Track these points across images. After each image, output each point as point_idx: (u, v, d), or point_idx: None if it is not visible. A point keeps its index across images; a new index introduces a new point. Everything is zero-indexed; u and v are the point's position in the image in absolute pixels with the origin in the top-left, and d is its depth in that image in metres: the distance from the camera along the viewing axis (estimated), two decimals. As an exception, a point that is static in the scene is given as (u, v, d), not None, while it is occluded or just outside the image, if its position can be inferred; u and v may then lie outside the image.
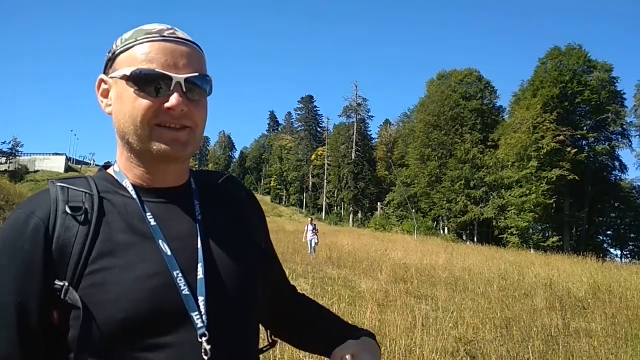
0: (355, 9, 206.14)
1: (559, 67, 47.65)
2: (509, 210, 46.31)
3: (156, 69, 0.88)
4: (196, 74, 0.91)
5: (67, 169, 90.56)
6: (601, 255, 28.48)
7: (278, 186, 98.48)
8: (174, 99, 0.88)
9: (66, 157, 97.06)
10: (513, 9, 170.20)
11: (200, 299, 0.86)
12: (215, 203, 1.03)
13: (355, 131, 77.52)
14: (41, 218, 0.85)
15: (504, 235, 45.89)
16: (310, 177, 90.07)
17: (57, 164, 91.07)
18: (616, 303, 9.96)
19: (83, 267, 0.83)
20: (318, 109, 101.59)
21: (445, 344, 5.92)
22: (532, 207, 43.55)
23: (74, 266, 0.83)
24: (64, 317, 0.83)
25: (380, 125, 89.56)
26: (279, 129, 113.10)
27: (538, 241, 43.38)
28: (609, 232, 50.75)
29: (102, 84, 0.97)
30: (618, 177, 50.26)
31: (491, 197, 50.91)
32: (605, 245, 49.77)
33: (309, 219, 20.75)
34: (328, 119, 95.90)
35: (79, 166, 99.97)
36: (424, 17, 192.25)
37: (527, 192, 44.31)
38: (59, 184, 0.91)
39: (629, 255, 48.32)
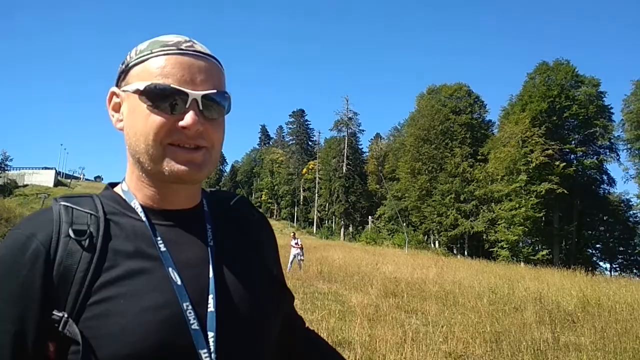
0: (347, 26, 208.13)
1: (547, 82, 48.30)
2: (499, 224, 46.52)
3: (171, 85, 0.81)
4: (214, 90, 0.85)
5: (57, 183, 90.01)
6: (590, 268, 28.63)
7: (269, 200, 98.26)
8: (189, 117, 0.81)
9: (56, 171, 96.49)
10: (502, 25, 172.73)
11: (210, 334, 0.79)
12: (227, 227, 0.97)
13: (346, 145, 77.74)
14: (42, 241, 0.78)
15: (494, 249, 46.04)
16: (302, 191, 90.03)
17: (46, 179, 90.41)
18: (605, 317, 9.97)
19: (85, 296, 0.76)
20: (309, 123, 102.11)
21: (436, 359, 5.91)
22: (521, 220, 43.79)
23: (75, 296, 0.76)
24: (61, 351, 0.76)
25: (371, 139, 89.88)
26: (270, 143, 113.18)
27: (528, 255, 43.50)
28: (598, 246, 50.97)
29: (114, 97, 0.91)
30: (606, 191, 50.67)
31: (481, 210, 51.12)
32: (594, 258, 49.99)
33: (292, 233, 20.52)
34: (319, 132, 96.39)
35: (69, 180, 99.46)
36: (415, 33, 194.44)
37: (517, 205, 44.56)
38: (62, 203, 0.84)
39: (618, 269, 48.61)
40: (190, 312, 0.78)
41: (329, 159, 78.90)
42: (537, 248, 46.06)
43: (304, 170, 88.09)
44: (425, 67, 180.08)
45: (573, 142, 48.58)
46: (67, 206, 0.84)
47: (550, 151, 44.37)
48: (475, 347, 6.77)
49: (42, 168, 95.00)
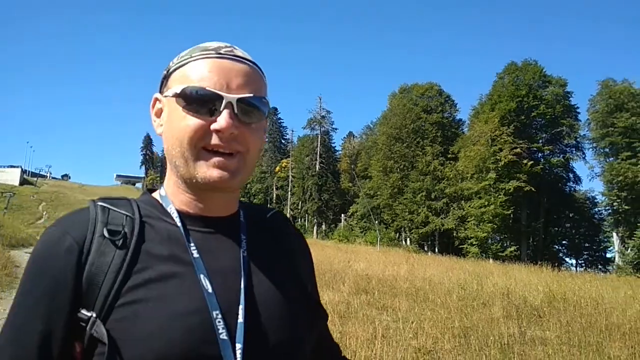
0: (320, 25, 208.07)
1: (516, 82, 49.08)
2: (468, 221, 47.14)
3: (207, 87, 0.81)
4: (250, 94, 0.84)
5: (23, 182, 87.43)
6: (557, 264, 29.23)
7: (241, 198, 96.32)
8: (223, 120, 0.81)
9: (22, 169, 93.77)
10: (474, 25, 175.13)
11: (238, 346, 0.77)
12: (262, 239, 0.95)
13: (319, 143, 77.74)
14: (76, 239, 0.78)
15: (464, 246, 46.62)
16: (275, 189, 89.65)
17: (12, 177, 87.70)
18: (571, 311, 10.19)
19: (115, 297, 0.75)
20: (282, 121, 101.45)
21: (405, 354, 5.97)
22: (490, 217, 44.47)
23: (105, 296, 0.75)
24: (87, 352, 0.75)
25: (344, 137, 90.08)
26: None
27: (497, 251, 44.17)
28: (564, 242, 52.13)
29: (157, 102, 0.92)
30: (572, 189, 51.81)
31: (451, 208, 51.73)
32: (560, 254, 51.06)
33: None
34: (292, 131, 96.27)
35: (35, 179, 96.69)
36: (388, 32, 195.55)
37: (486, 203, 45.21)
38: (100, 203, 0.85)
39: (583, 265, 49.78)
40: (219, 322, 0.77)
41: (302, 157, 78.76)
42: (505, 244, 46.81)
43: (277, 168, 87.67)
44: (397, 66, 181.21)
45: (540, 140, 49.52)
46: (104, 207, 0.84)
47: (518, 150, 45.17)
48: (444, 342, 6.86)
49: (8, 166, 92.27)
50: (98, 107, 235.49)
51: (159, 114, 0.91)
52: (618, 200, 43.10)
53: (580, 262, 50.66)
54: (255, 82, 0.87)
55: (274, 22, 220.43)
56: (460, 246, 47.26)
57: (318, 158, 76.77)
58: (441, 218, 52.24)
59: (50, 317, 0.75)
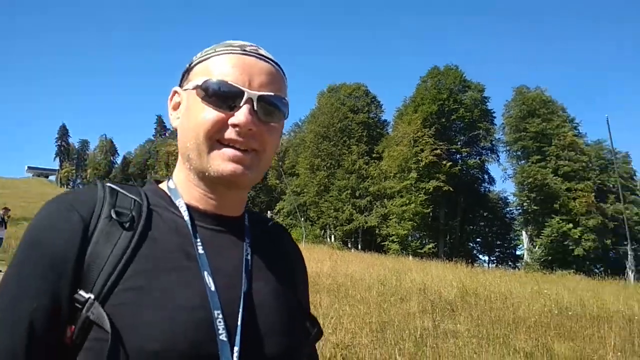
0: (253, 24, 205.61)
1: (438, 85, 50.92)
2: (390, 219, 48.33)
3: (229, 82, 0.81)
4: (272, 93, 0.83)
5: None
6: (471, 261, 30.75)
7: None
8: (242, 115, 0.79)
9: None
10: (398, 29, 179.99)
11: (235, 349, 0.75)
12: (265, 245, 0.93)
13: (246, 139, 76.83)
14: (83, 216, 0.75)
15: (386, 243, 47.76)
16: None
17: None
18: (481, 305, 10.75)
19: (115, 281, 0.72)
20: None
21: (324, 350, 6.03)
22: (411, 216, 45.82)
23: (105, 278, 0.71)
24: (79, 336, 0.70)
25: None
26: (167, 134, 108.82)
27: (416, 248, 45.42)
28: (478, 240, 54.72)
29: (175, 96, 0.91)
30: (487, 189, 54.36)
31: (375, 206, 52.84)
32: (475, 251, 53.47)
33: None
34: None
35: None
36: (320, 32, 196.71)
37: (407, 201, 46.55)
38: (109, 184, 0.83)
39: (495, 261, 52.54)
40: (220, 322, 0.74)
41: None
42: (424, 242, 48.18)
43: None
44: (326, 65, 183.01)
45: (459, 143, 51.47)
46: (113, 189, 0.82)
47: (438, 151, 46.77)
48: (362, 336, 7.02)
49: None
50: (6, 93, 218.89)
51: (176, 107, 0.91)
52: (528, 201, 46.08)
53: (492, 259, 53.52)
54: (278, 82, 0.86)
55: (206, 20, 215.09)
56: (382, 243, 48.36)
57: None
58: (365, 216, 53.21)
59: (45, 294, 0.70)
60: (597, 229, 41.96)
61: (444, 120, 49.66)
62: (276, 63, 0.88)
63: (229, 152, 0.81)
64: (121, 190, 0.82)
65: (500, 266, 43.92)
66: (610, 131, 44.26)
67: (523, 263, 45.92)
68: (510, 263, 50.87)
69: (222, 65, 0.83)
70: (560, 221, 42.68)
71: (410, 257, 35.17)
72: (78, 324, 0.70)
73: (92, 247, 0.73)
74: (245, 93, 0.80)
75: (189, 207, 0.85)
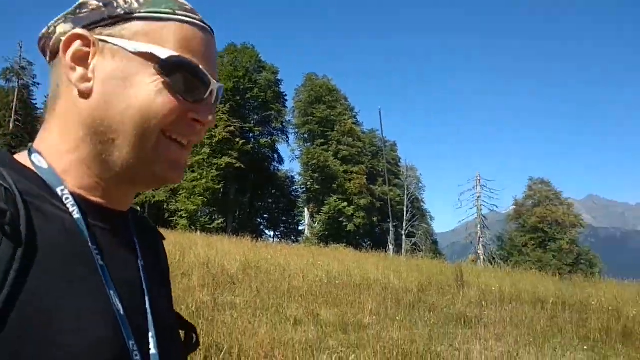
0: None
1: (235, 63, 50.99)
2: (180, 194, 47.43)
3: (200, 66, 0.64)
4: (222, 84, 0.69)
5: None
6: (257, 236, 31.89)
7: None
8: (208, 111, 0.65)
9: None
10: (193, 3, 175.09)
11: None
12: (146, 242, 0.74)
13: (16, 98, 66.79)
14: None
15: (174, 218, 46.83)
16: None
17: None
18: (261, 277, 11.21)
19: (6, 307, 0.49)
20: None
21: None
22: (202, 191, 45.54)
23: None
24: None
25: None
26: None
27: (205, 223, 45.25)
28: (265, 216, 56.79)
29: (78, 42, 0.62)
30: (276, 168, 56.53)
31: (164, 180, 51.06)
32: (262, 227, 55.39)
33: None
34: None
35: None
36: None
37: (199, 177, 46.17)
38: None
39: (279, 236, 55.33)
40: (136, 355, 0.59)
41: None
42: (213, 217, 48.54)
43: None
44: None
45: (252, 121, 52.46)
46: None
47: (232, 128, 47.07)
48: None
49: None
50: None
51: (82, 58, 0.62)
52: (311, 181, 49.90)
53: (277, 234, 56.08)
54: None
55: None
56: (170, 218, 47.18)
57: (13, 115, 65.98)
58: (152, 190, 50.90)
59: None
60: (366, 208, 48.14)
61: (238, 98, 50.06)
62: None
63: (174, 150, 0.64)
64: None
65: (283, 241, 46.36)
66: (382, 122, 50.11)
67: (304, 237, 49.63)
68: (293, 238, 53.89)
69: (186, 40, 0.64)
70: (337, 200, 47.81)
71: (199, 232, 34.98)
72: None
73: None
74: (212, 84, 0.65)
75: (76, 198, 0.62)
